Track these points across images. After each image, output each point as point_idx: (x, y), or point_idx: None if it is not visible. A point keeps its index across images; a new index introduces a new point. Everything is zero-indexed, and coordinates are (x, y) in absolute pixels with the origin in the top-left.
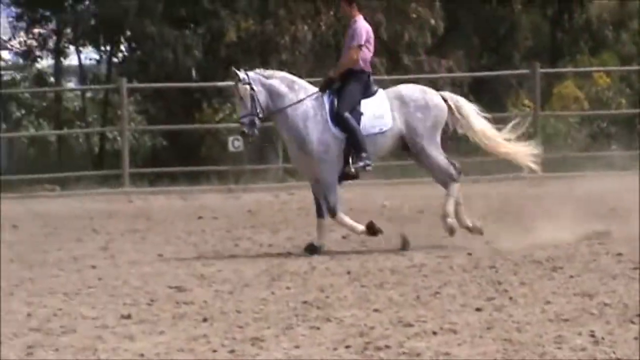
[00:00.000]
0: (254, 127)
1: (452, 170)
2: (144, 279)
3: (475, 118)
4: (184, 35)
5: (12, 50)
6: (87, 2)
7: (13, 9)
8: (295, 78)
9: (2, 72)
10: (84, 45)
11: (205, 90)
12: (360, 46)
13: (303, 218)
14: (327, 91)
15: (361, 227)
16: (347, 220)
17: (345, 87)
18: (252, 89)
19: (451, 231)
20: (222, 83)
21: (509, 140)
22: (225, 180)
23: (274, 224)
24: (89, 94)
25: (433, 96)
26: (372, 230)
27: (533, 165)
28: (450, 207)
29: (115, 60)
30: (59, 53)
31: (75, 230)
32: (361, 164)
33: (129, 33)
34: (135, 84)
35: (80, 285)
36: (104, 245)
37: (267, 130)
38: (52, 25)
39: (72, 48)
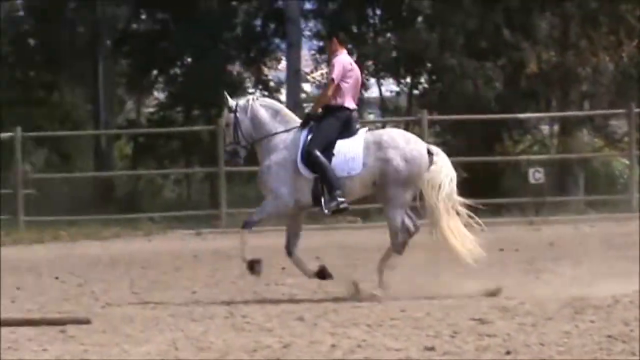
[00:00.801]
0: (236, 156)
1: (399, 239)
2: (445, 311)
3: (447, 180)
4: (484, 67)
5: (314, 82)
6: (388, 35)
7: (315, 41)
8: (281, 108)
9: (304, 104)
10: (384, 77)
11: (505, 121)
12: (333, 81)
13: (605, 251)
14: (308, 128)
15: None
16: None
17: (320, 124)
18: (236, 117)
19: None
20: (523, 115)
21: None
22: (526, 212)
23: (576, 256)
24: (389, 126)
25: (416, 147)
26: (321, 274)
27: (469, 260)
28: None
29: (415, 92)
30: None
31: (375, 262)
32: (334, 203)
33: (429, 65)
34: (436, 116)
35: (384, 317)
36: (404, 277)
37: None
38: (353, 58)
39: (372, 80)
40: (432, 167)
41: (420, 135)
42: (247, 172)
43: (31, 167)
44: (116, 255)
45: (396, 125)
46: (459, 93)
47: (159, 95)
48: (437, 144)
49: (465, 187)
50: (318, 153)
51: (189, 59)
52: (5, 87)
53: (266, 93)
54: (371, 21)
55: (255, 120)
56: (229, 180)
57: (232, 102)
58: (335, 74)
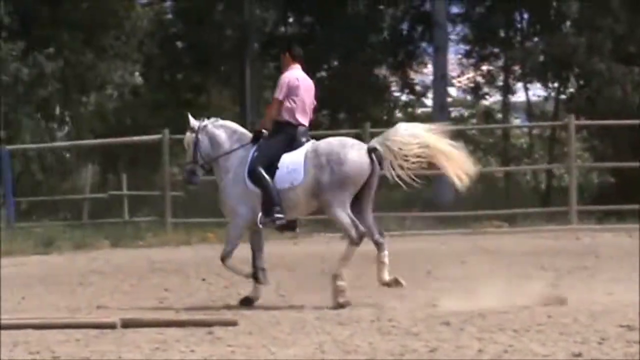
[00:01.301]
0: (193, 175)
1: (353, 233)
2: (593, 317)
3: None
4: (632, 72)
5: (460, 86)
6: (535, 40)
7: (462, 46)
8: (237, 127)
9: (450, 109)
10: (531, 82)
11: None
12: (276, 99)
13: None
14: (257, 144)
15: (246, 272)
16: (236, 266)
17: (267, 141)
18: (196, 137)
19: (338, 292)
20: None
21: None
22: None
23: None
24: (535, 131)
25: (353, 151)
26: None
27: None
28: (342, 269)
29: (562, 96)
30: (506, 90)
31: (522, 266)
32: (269, 219)
33: (577, 70)
34: (583, 121)
35: (530, 322)
36: (553, 282)
37: None
38: (500, 62)
39: (519, 85)
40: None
41: (567, 141)
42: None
43: (179, 169)
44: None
45: (542, 130)
46: (606, 98)
47: None
48: (584, 149)
49: (612, 192)
50: (260, 169)
51: (336, 63)
52: (154, 89)
53: (412, 97)
54: (519, 25)
55: (213, 140)
56: None
57: (194, 122)
58: (279, 93)
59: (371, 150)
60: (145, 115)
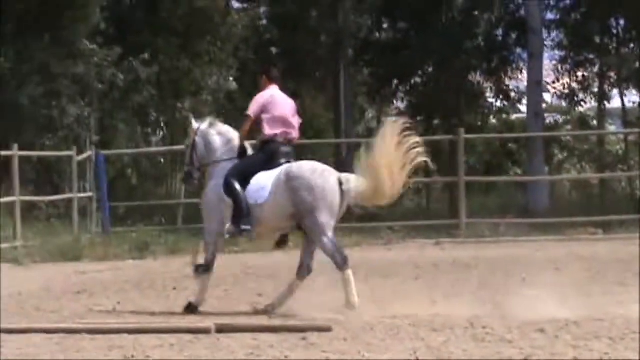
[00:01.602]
0: (190, 177)
1: (337, 259)
2: None
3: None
4: None
5: (555, 93)
6: (631, 46)
7: (557, 52)
8: (233, 136)
9: (545, 115)
10: (627, 88)
11: None
12: (247, 116)
13: None
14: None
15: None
16: (204, 283)
17: (249, 156)
18: (194, 140)
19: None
20: None
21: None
22: None
23: None
24: (631, 137)
25: (321, 178)
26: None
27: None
28: (352, 297)
29: None
30: (602, 96)
31: (618, 274)
32: (236, 229)
33: None
34: None
35: (625, 330)
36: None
37: None
38: (595, 69)
39: (615, 91)
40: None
41: None
42: (486, 182)
43: None
44: (356, 264)
45: (638, 136)
46: None
47: (400, 104)
48: None
49: None
50: (234, 181)
51: (430, 69)
52: (248, 94)
53: (507, 103)
54: (614, 31)
55: (208, 145)
56: (468, 190)
57: (195, 125)
58: (251, 110)
59: (340, 181)
60: (239, 120)
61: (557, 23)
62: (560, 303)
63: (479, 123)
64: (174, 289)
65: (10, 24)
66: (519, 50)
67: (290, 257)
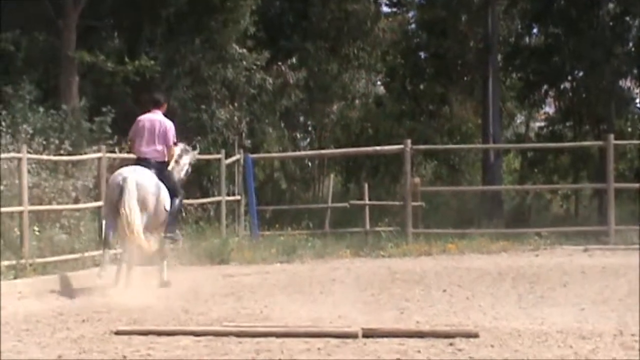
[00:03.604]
0: None
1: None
2: None
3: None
4: None
5: None
6: None
7: None
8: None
9: None
10: None
11: None
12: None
13: None
14: None
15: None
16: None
17: None
18: None
19: None
20: None
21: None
22: None
23: None
24: None
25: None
26: None
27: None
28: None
29: None
30: None
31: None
32: None
33: None
34: None
35: None
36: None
37: None
38: None
39: None
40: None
41: None
42: (636, 189)
43: (420, 179)
44: (503, 270)
45: None
46: None
47: (549, 109)
48: None
49: None
50: None
51: (580, 74)
52: (396, 99)
53: None
54: None
55: None
56: (618, 196)
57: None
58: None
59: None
60: (387, 125)
61: None
62: None
63: (629, 129)
64: (321, 293)
65: (161, 28)
66: None
67: (436, 262)
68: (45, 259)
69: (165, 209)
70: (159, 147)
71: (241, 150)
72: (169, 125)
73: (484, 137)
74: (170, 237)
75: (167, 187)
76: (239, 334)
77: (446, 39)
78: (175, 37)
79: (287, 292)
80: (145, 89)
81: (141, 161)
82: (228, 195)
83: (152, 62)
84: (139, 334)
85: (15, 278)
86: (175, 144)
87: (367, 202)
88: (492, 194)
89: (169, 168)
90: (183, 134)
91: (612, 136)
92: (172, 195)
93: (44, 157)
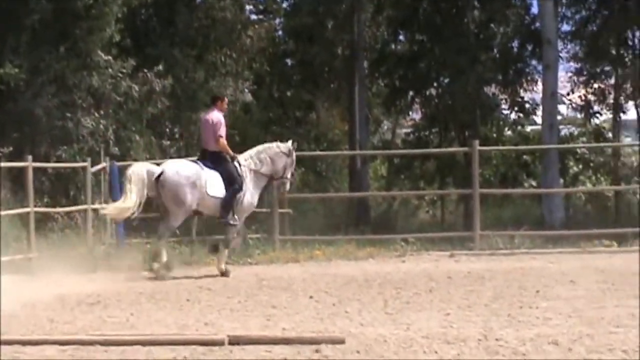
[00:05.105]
0: None
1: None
2: None
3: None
4: None
5: (570, 104)
6: None
7: (572, 63)
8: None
9: (560, 127)
10: None
11: None
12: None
13: None
14: None
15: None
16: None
17: None
18: None
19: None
20: None
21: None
22: None
23: None
24: None
25: None
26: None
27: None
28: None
29: None
30: (617, 108)
31: (632, 286)
32: None
33: None
34: None
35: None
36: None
37: None
38: (611, 80)
39: (630, 103)
40: None
41: None
42: (501, 194)
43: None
44: (370, 276)
45: None
46: None
47: (415, 116)
48: None
49: None
50: None
51: (446, 80)
52: (263, 106)
53: (521, 115)
54: (630, 43)
55: None
56: (483, 202)
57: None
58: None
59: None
60: (255, 132)
61: (572, 35)
62: (576, 315)
63: (494, 135)
64: (188, 300)
65: (25, 35)
66: (534, 62)
67: (303, 269)
68: None
69: (207, 194)
70: (212, 140)
71: (107, 159)
72: (216, 120)
73: (350, 144)
74: (223, 221)
75: (223, 176)
76: (104, 343)
77: (313, 46)
78: (39, 44)
79: (154, 300)
80: (10, 98)
81: (202, 152)
82: (94, 203)
83: (17, 70)
84: (4, 344)
85: None
86: (221, 137)
87: None
88: (359, 200)
89: (242, 160)
90: (48, 143)
91: (477, 142)
92: (228, 184)
93: None
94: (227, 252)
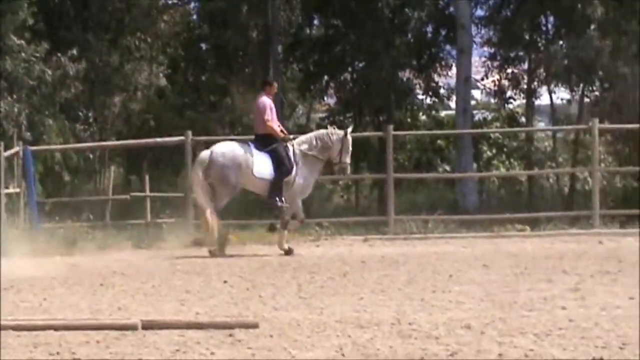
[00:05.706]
0: None
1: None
2: (615, 322)
3: None
4: None
5: (484, 89)
6: (560, 43)
7: (486, 49)
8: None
9: (474, 112)
10: (556, 85)
11: None
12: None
13: None
14: None
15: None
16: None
17: None
18: None
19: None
20: None
21: None
22: None
23: None
24: (559, 134)
25: None
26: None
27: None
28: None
29: (587, 100)
30: (530, 93)
31: (545, 270)
32: None
33: (601, 73)
34: (607, 125)
35: (551, 327)
36: (574, 286)
37: None
38: (524, 65)
39: (544, 88)
40: None
41: (591, 145)
42: (415, 179)
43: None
44: (284, 260)
45: (566, 133)
46: (631, 102)
47: (330, 100)
48: (608, 153)
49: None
50: None
51: (360, 65)
52: (178, 91)
53: (436, 100)
54: (544, 28)
55: None
56: (397, 186)
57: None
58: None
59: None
60: (169, 117)
61: (486, 20)
62: (488, 299)
63: (409, 120)
64: (101, 285)
65: None
66: (448, 47)
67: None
68: None
69: (254, 175)
70: (261, 124)
71: (20, 143)
72: (262, 104)
73: None
74: (271, 202)
75: (272, 158)
76: (16, 328)
77: (227, 30)
78: None
79: (67, 284)
80: None
81: (255, 135)
82: (7, 188)
83: None
84: None
85: None
86: (268, 120)
87: (148, 193)
88: None
89: (295, 144)
90: None
91: (391, 127)
92: (277, 166)
93: None
94: (286, 233)
